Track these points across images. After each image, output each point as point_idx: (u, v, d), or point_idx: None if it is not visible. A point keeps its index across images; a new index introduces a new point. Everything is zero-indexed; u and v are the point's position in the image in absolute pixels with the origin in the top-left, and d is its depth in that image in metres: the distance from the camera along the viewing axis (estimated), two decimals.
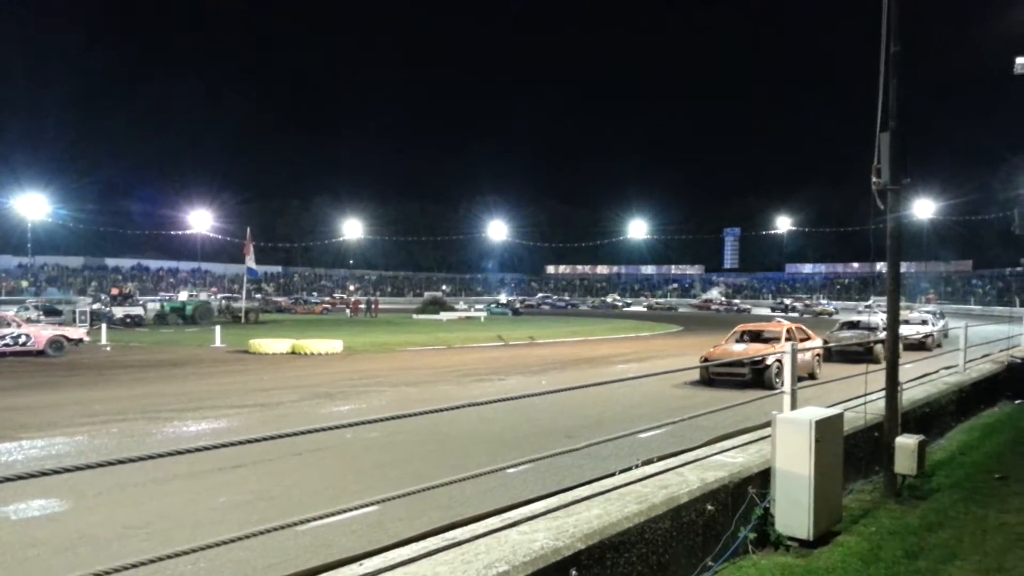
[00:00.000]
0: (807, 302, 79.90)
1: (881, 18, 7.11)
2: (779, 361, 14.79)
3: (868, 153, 7.26)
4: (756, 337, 18.00)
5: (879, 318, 22.93)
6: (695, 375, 16.39)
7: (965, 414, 11.45)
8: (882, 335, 20.62)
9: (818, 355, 17.26)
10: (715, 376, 15.87)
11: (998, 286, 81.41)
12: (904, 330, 20.90)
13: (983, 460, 8.88)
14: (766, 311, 70.89)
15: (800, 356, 14.79)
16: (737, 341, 17.85)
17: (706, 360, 15.84)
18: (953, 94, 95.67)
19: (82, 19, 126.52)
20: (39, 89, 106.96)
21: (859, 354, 19.34)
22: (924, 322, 28.37)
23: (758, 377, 15.38)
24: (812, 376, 16.11)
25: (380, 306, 62.25)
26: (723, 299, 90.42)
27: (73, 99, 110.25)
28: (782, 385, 13.12)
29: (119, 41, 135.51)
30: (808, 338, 17.58)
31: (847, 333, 22.38)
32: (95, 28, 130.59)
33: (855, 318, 26.88)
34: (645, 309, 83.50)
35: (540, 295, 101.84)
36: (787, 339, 16.35)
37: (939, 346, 23.23)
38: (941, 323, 32.36)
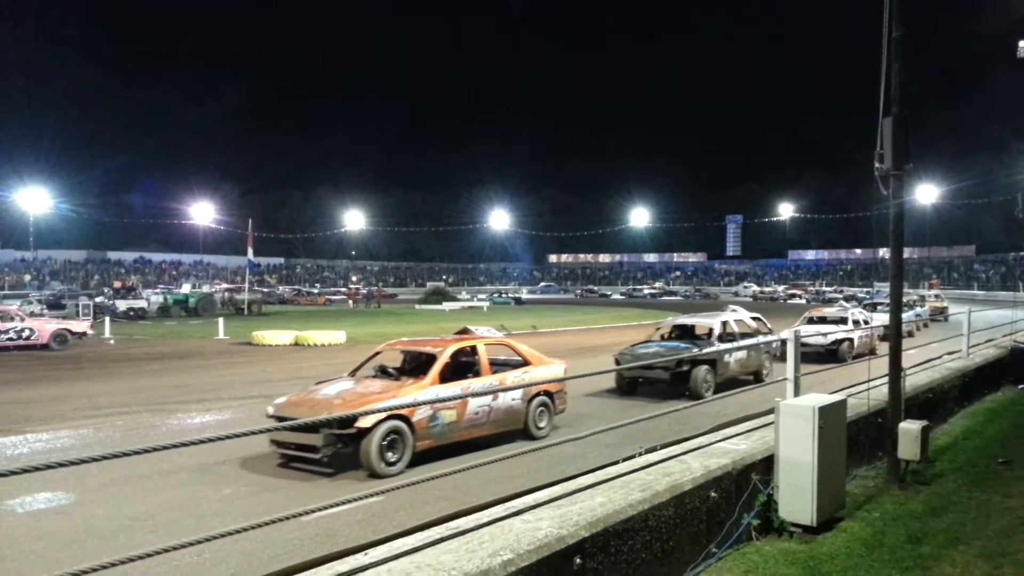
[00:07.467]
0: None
1: (883, 2, 7.07)
2: (404, 419, 7.93)
3: (871, 139, 7.23)
4: (422, 364, 9.32)
5: (738, 317, 14.96)
6: None
7: (968, 399, 11.44)
8: (723, 346, 13.21)
9: (547, 394, 9.84)
10: (285, 450, 8.18)
11: (1001, 271, 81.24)
12: (808, 332, 13.30)
13: (986, 445, 8.88)
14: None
15: (476, 402, 8.78)
16: (379, 372, 9.58)
17: (279, 418, 8.08)
18: (955, 78, 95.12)
19: (83, 13, 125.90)
20: (41, 83, 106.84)
21: (667, 383, 12.67)
22: (844, 320, 19.30)
23: (351, 451, 7.75)
24: (528, 433, 9.49)
25: (383, 296, 62.17)
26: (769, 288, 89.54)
27: (74, 93, 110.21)
28: (401, 464, 7.78)
29: (120, 34, 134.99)
30: (524, 364, 9.99)
31: (652, 348, 13.73)
32: (96, 22, 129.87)
33: (686, 320, 15.32)
34: (751, 299, 68.72)
35: (543, 284, 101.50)
36: (448, 369, 8.96)
37: (872, 352, 17.34)
38: (913, 313, 25.88)
